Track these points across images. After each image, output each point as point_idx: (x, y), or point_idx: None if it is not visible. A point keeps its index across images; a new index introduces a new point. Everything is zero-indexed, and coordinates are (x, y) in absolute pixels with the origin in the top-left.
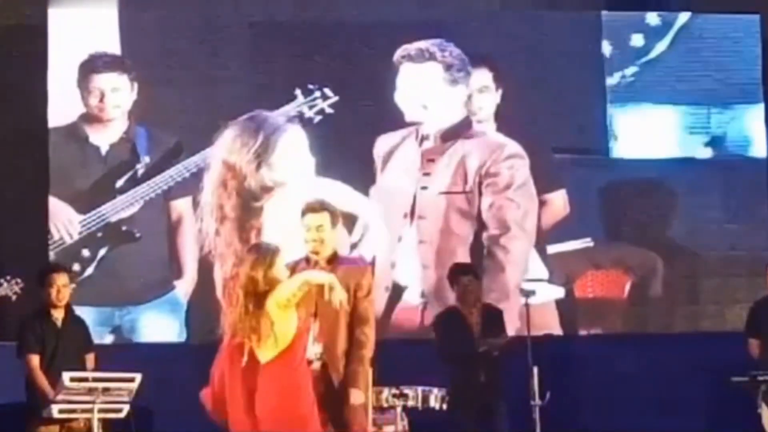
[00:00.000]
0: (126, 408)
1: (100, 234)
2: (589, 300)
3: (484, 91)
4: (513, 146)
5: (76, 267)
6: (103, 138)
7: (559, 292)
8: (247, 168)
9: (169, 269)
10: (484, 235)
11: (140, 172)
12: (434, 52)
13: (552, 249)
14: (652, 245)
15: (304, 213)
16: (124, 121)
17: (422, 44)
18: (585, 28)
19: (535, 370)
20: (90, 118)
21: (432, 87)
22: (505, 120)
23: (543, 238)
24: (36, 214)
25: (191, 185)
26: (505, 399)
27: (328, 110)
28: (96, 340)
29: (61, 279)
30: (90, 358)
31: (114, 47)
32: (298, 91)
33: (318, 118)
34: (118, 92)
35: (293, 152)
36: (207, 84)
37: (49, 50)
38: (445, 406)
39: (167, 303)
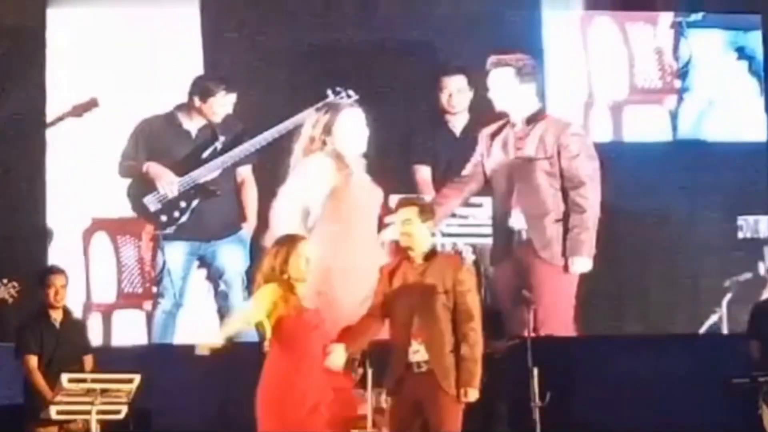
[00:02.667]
0: (124, 409)
1: (192, 191)
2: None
3: (462, 92)
4: (575, 125)
5: (176, 214)
6: (192, 125)
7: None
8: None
9: (237, 216)
10: (568, 187)
11: (218, 148)
12: (509, 60)
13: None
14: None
15: (396, 208)
16: (208, 115)
17: (503, 56)
18: (526, 27)
19: (535, 371)
20: (186, 109)
21: (508, 85)
22: (475, 111)
23: None
24: (34, 215)
25: (252, 157)
26: (505, 400)
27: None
28: (186, 266)
29: (59, 280)
30: (88, 360)
31: (112, 46)
32: (329, 91)
33: None
34: (211, 99)
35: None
36: (263, 87)
37: (47, 50)
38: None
39: (236, 239)
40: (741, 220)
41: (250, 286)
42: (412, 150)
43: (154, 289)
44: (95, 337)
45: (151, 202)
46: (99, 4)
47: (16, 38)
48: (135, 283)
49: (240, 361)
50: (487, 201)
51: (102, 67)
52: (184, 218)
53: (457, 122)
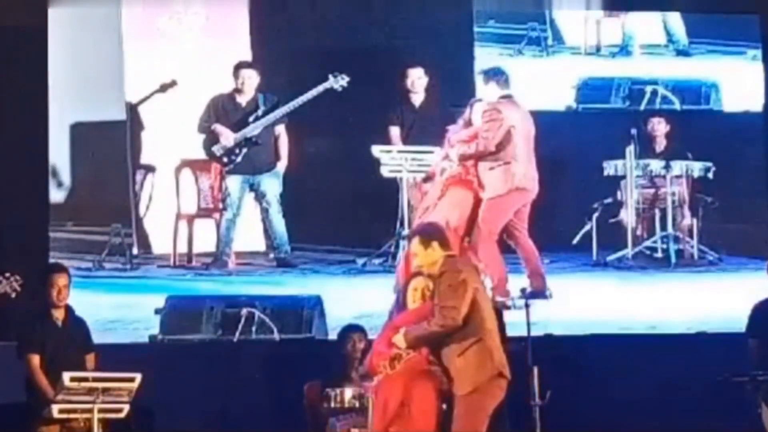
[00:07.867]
0: (126, 408)
1: (243, 142)
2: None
3: (420, 79)
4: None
5: (232, 157)
6: (242, 99)
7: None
8: None
9: (273, 158)
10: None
11: (260, 114)
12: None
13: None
14: None
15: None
16: (252, 92)
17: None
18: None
19: (535, 370)
20: (238, 90)
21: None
22: (429, 91)
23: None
24: (36, 211)
25: (284, 119)
26: (505, 399)
27: (345, 86)
28: (241, 191)
29: (61, 279)
30: (90, 359)
31: (111, 45)
32: (330, 75)
33: (340, 89)
34: (251, 80)
35: None
36: (288, 73)
37: (49, 50)
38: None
39: (273, 173)
40: (605, 164)
41: (283, 204)
42: (387, 116)
43: (221, 205)
44: (183, 238)
45: (217, 150)
46: (100, 4)
47: (17, 38)
48: (208, 201)
49: (241, 359)
50: None
51: (177, 54)
52: (238, 159)
53: (417, 99)
